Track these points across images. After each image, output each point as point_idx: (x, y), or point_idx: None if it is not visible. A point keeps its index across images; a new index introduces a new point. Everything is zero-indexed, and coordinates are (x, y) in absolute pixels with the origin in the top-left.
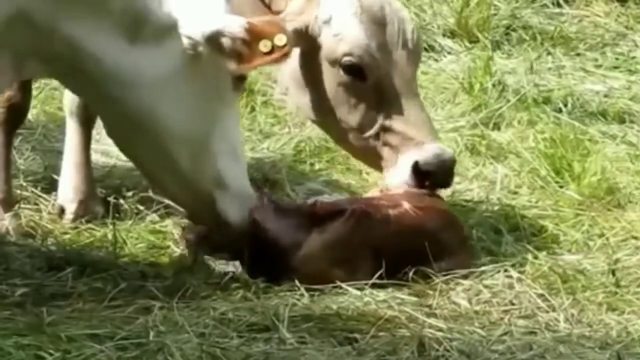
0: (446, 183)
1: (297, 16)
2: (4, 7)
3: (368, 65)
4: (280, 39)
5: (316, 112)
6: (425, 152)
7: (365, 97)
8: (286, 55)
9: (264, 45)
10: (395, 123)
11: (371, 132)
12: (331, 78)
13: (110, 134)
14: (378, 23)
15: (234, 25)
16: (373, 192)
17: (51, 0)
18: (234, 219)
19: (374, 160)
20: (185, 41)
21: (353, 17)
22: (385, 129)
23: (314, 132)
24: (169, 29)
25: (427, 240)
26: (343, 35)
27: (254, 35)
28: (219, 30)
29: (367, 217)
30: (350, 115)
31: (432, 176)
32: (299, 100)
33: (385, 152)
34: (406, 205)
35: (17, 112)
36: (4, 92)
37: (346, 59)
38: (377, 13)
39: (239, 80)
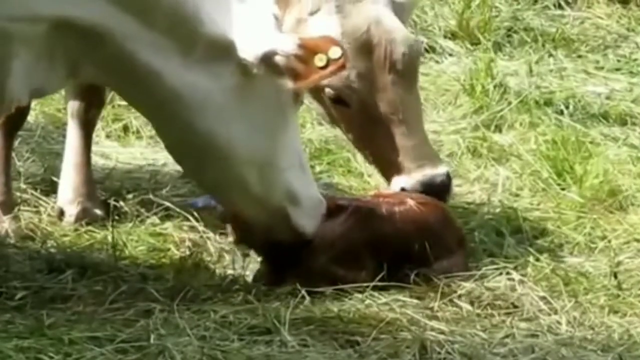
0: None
1: None
2: (46, 12)
3: (348, 95)
4: (335, 52)
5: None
6: (412, 179)
7: (353, 123)
8: (343, 67)
9: (319, 60)
10: (384, 148)
11: (366, 153)
12: (325, 101)
13: (174, 155)
14: (362, 48)
15: (287, 43)
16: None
17: (101, 10)
18: (310, 231)
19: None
20: (240, 62)
21: None
22: (374, 154)
23: (315, 135)
24: (225, 49)
25: (429, 236)
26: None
27: (308, 51)
28: (273, 50)
29: (370, 214)
30: (346, 135)
31: None
32: (318, 109)
33: (384, 174)
34: (410, 201)
35: (18, 114)
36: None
37: (327, 89)
38: (362, 37)
39: (296, 95)
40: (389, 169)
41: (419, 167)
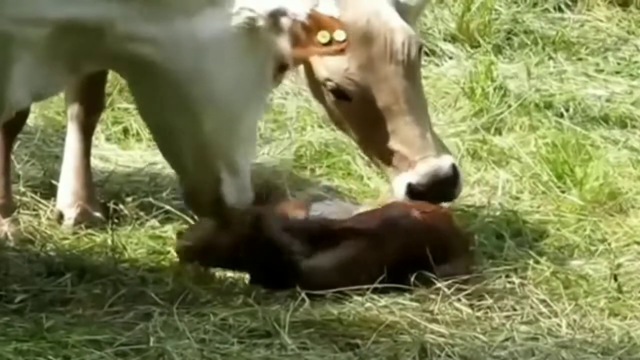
0: (447, 197)
1: None
2: (51, 15)
3: (348, 88)
4: (340, 35)
5: (331, 123)
6: (417, 173)
7: (356, 117)
8: (342, 51)
9: (322, 36)
10: (388, 141)
11: (371, 149)
12: (326, 97)
13: (145, 114)
14: (363, 39)
15: (298, 8)
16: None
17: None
18: (231, 202)
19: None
20: (247, 13)
21: None
22: (380, 147)
23: (315, 137)
24: (234, 2)
25: (437, 246)
26: (325, 57)
27: (315, 23)
28: (283, 8)
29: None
30: (349, 132)
31: (429, 194)
32: (320, 110)
33: (388, 170)
34: (415, 213)
35: (17, 117)
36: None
37: (328, 83)
38: (362, 28)
39: (281, 70)
40: (393, 162)
41: (422, 159)
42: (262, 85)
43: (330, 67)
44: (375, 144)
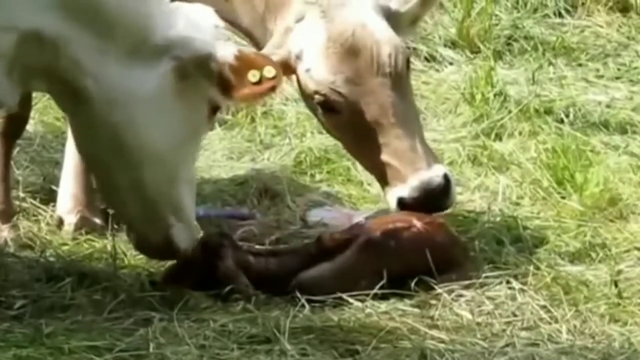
0: (439, 208)
1: (276, 49)
2: (22, 24)
3: (337, 101)
4: (270, 71)
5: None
6: (409, 186)
7: (345, 129)
8: (274, 88)
9: (252, 75)
10: (378, 155)
11: (362, 162)
12: (316, 110)
13: (82, 148)
14: (348, 52)
15: (225, 51)
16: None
17: (62, 22)
18: (184, 247)
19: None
20: (175, 63)
21: (320, 50)
22: (370, 160)
23: (315, 143)
24: (163, 50)
25: (438, 256)
26: (312, 71)
27: (243, 64)
28: (209, 53)
29: (377, 246)
30: (342, 144)
31: (421, 207)
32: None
33: (380, 183)
34: (417, 223)
35: (17, 122)
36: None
37: (316, 96)
38: (348, 41)
39: (213, 112)
40: (385, 175)
41: (414, 172)
42: (198, 129)
43: (317, 80)
44: (366, 157)
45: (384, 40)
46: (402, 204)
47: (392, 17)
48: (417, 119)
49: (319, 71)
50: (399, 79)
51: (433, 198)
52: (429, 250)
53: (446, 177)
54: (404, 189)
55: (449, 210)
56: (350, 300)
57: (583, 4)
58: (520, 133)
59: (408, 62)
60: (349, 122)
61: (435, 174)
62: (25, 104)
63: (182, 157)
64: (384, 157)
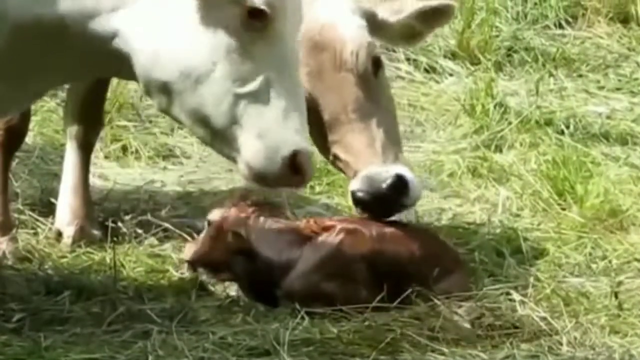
0: (392, 206)
1: None
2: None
3: None
4: None
5: None
6: (357, 179)
7: (312, 124)
8: None
9: None
10: (338, 150)
11: (326, 157)
12: None
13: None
14: (313, 48)
15: None
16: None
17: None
18: (255, 164)
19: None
20: None
21: None
22: (333, 156)
23: (314, 155)
24: None
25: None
26: None
27: None
28: None
29: (357, 231)
30: (312, 139)
31: (371, 202)
32: None
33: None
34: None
35: (16, 134)
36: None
37: None
38: (314, 37)
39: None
40: (345, 171)
41: (365, 167)
42: (226, 36)
43: None
44: (328, 152)
45: (349, 38)
46: (354, 197)
47: (374, 22)
48: (385, 118)
49: None
50: (365, 77)
51: (381, 194)
52: (412, 247)
53: (400, 177)
54: (355, 183)
55: (449, 221)
56: (350, 312)
57: (583, 15)
58: (520, 144)
59: (378, 61)
60: (311, 117)
61: (385, 169)
62: (24, 117)
63: (212, 64)
64: (342, 152)
